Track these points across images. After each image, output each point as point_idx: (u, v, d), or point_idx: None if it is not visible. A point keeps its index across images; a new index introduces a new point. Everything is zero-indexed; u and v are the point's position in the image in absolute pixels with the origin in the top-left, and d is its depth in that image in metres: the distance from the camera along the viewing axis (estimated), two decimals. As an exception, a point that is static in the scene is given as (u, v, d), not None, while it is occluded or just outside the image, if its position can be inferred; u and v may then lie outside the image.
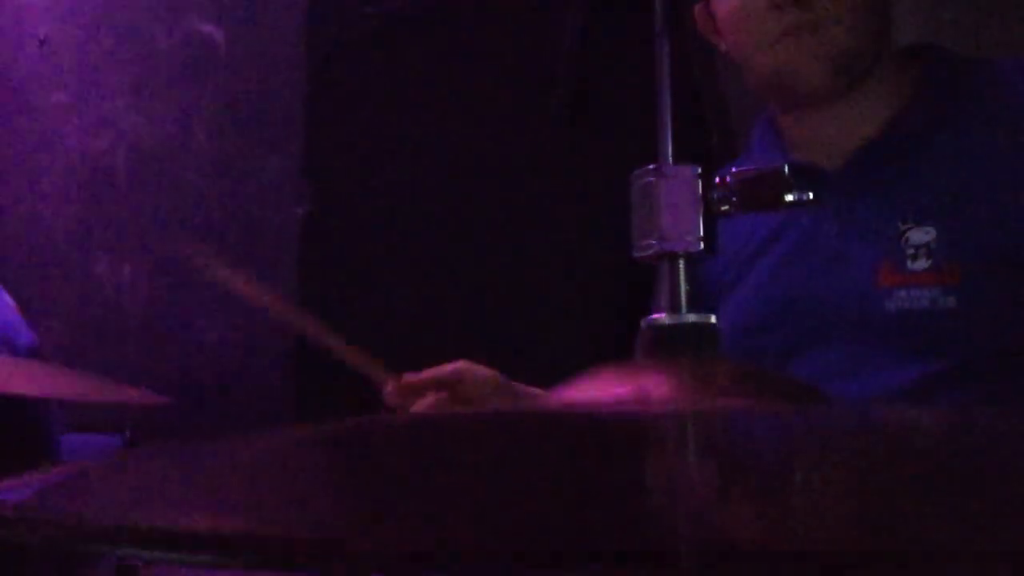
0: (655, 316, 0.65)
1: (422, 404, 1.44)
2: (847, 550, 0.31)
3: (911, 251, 1.26)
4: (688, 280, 0.65)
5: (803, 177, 1.34)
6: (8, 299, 2.12)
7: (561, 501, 0.42)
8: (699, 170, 0.66)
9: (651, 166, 0.65)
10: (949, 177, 1.28)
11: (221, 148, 2.82)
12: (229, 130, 2.81)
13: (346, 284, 2.49)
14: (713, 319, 0.65)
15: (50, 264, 3.11)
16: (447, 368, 1.47)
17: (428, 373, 1.46)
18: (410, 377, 1.46)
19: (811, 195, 0.66)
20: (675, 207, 0.65)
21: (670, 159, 0.66)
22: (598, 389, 0.59)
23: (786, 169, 0.65)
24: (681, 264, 0.65)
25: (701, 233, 0.65)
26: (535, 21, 2.33)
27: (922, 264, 1.25)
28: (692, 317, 0.64)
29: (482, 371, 1.47)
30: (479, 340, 2.22)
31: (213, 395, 2.72)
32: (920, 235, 1.26)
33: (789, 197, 0.65)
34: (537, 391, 1.48)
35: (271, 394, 2.62)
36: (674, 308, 0.65)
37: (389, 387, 1.46)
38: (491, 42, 2.39)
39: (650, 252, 0.65)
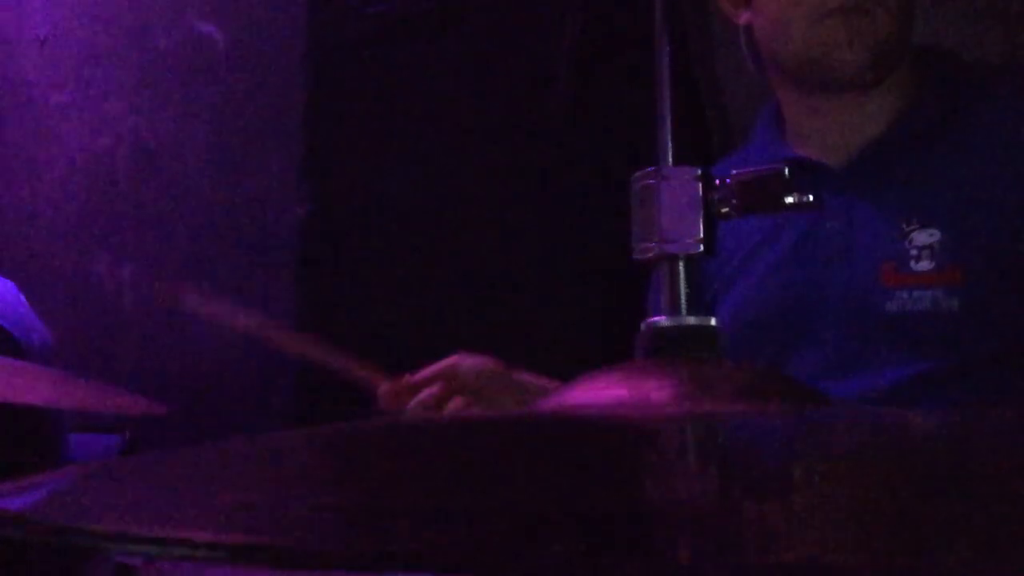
0: (655, 318, 0.65)
1: (417, 401, 1.43)
2: (849, 565, 0.30)
3: (915, 252, 1.25)
4: (688, 282, 0.65)
5: (805, 173, 1.35)
6: (22, 298, 2.12)
7: (558, 506, 0.41)
8: (699, 172, 0.66)
9: (651, 168, 0.65)
10: (955, 179, 1.28)
11: (221, 148, 2.82)
12: (229, 130, 2.80)
13: (346, 284, 2.49)
14: (713, 322, 0.65)
15: (50, 264, 3.11)
16: (440, 364, 1.46)
17: (422, 372, 1.46)
18: (406, 378, 1.46)
19: (811, 197, 0.66)
20: (675, 209, 0.64)
21: (670, 161, 0.66)
22: (597, 392, 0.59)
23: (786, 171, 0.65)
24: (681, 266, 0.65)
25: (701, 235, 0.65)
26: (535, 21, 2.33)
27: (925, 265, 1.24)
28: (692, 320, 0.64)
29: (476, 361, 1.47)
30: (479, 340, 2.22)
31: (213, 395, 2.72)
32: (924, 236, 1.26)
33: (789, 199, 0.65)
34: (535, 378, 1.48)
35: (271, 395, 2.62)
36: (674, 310, 0.64)
37: (383, 389, 1.46)
38: (491, 42, 2.38)
39: (650, 254, 0.65)
